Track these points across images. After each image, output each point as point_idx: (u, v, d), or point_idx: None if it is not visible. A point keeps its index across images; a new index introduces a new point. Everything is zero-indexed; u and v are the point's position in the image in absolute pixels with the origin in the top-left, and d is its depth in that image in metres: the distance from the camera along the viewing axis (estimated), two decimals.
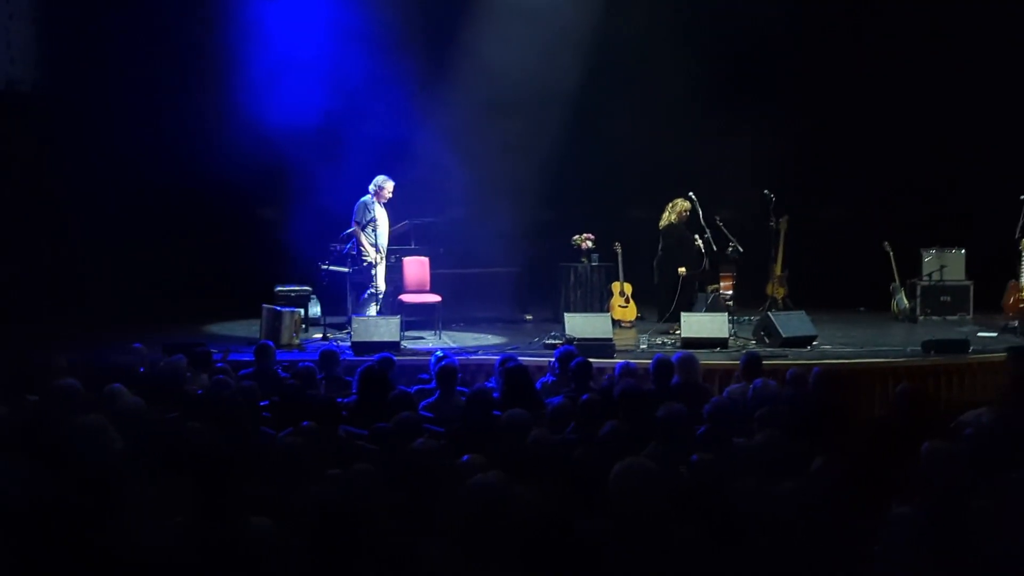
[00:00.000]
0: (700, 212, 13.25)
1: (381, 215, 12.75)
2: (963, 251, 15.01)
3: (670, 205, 13.47)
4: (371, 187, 12.70)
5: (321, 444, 5.95)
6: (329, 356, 9.32)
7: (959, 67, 15.81)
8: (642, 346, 12.19)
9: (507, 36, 14.68)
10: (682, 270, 13.38)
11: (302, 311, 12.98)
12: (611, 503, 4.64)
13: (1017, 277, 13.76)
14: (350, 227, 12.75)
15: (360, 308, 12.73)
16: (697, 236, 13.28)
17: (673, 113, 15.26)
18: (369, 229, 12.62)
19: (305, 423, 6.23)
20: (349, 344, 11.70)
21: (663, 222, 13.54)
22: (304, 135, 13.82)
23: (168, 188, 14.86)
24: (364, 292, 12.79)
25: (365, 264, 12.60)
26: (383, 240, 12.77)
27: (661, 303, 13.59)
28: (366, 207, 12.64)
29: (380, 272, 12.70)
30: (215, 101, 14.63)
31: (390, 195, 12.75)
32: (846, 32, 16.07)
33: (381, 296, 12.80)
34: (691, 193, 13.23)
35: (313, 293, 13.81)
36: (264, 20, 14.29)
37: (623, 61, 15.56)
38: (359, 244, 12.61)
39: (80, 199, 14.14)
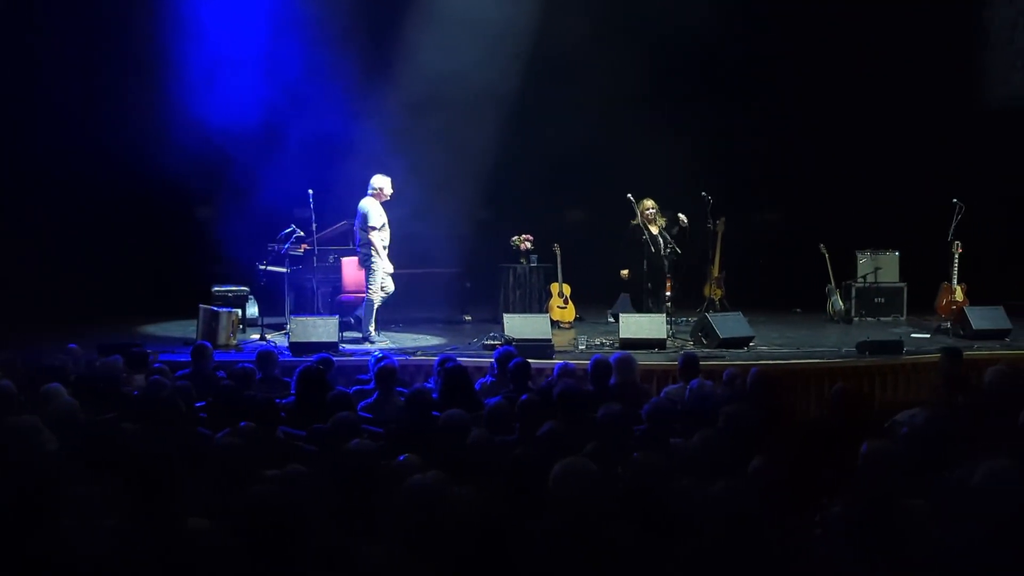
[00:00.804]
0: (638, 214, 13.30)
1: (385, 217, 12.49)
2: (897, 253, 15.22)
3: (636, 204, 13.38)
4: (370, 189, 12.44)
5: (259, 445, 5.91)
6: (267, 357, 9.26)
7: (893, 70, 16.05)
8: (580, 347, 12.22)
9: (447, 34, 14.64)
10: (624, 272, 13.44)
11: (239, 311, 12.89)
12: (550, 503, 4.66)
13: (950, 279, 13.98)
14: (354, 233, 12.60)
15: (362, 312, 12.54)
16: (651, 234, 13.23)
17: (612, 115, 15.33)
18: (383, 234, 12.38)
19: (243, 424, 6.18)
20: (287, 344, 11.62)
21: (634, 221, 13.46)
22: (242, 133, 13.70)
23: (102, 185, 14.68)
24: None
25: (373, 270, 12.31)
26: (388, 241, 12.50)
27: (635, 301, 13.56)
28: (378, 210, 12.37)
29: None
30: (152, 98, 14.47)
31: (391, 192, 12.51)
32: (782, 36, 16.23)
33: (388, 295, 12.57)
34: (629, 195, 13.27)
35: (251, 293, 13.71)
36: (201, 16, 14.13)
37: (562, 62, 15.59)
38: (372, 248, 12.28)
39: (10, 196, 13.93)
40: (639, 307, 13.27)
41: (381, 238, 12.33)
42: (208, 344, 9.63)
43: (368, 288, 12.41)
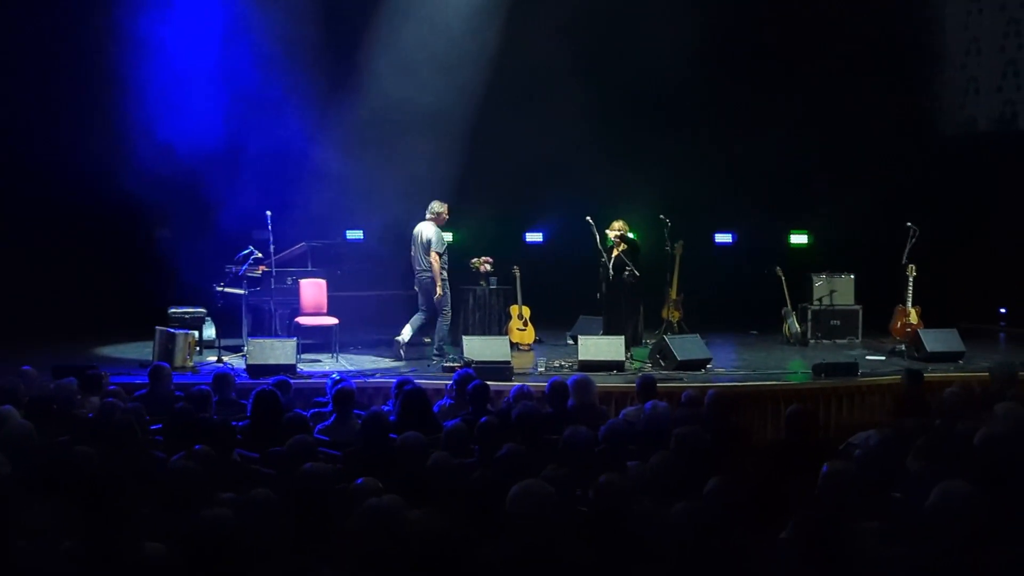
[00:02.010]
0: (597, 237, 13.34)
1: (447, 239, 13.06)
2: (852, 276, 15.32)
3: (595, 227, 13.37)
4: (429, 214, 12.89)
5: (214, 468, 5.87)
6: (223, 379, 9.20)
7: (849, 95, 16.21)
8: (539, 369, 12.24)
9: (407, 57, 14.71)
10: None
11: (196, 333, 12.79)
12: (508, 525, 4.65)
13: (904, 302, 14.10)
14: (430, 259, 12.79)
15: (425, 331, 13.08)
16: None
17: (571, 138, 15.38)
18: (445, 256, 12.85)
19: (198, 447, 6.13)
20: (244, 367, 11.56)
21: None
22: (199, 154, 13.64)
23: (57, 206, 14.58)
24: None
25: (438, 294, 12.74)
26: (448, 264, 13.03)
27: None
28: (442, 236, 12.85)
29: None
30: (109, 118, 14.36)
31: (447, 217, 13.01)
32: (737, 63, 16.37)
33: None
34: (588, 218, 13.31)
35: (208, 315, 13.60)
36: (159, 36, 14.07)
37: (523, 86, 15.66)
38: (433, 272, 12.73)
39: None
40: (619, 332, 13.02)
41: (444, 262, 12.79)
42: (166, 364, 9.59)
43: (441, 310, 12.84)
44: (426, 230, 12.83)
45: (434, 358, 12.66)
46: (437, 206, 12.92)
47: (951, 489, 4.73)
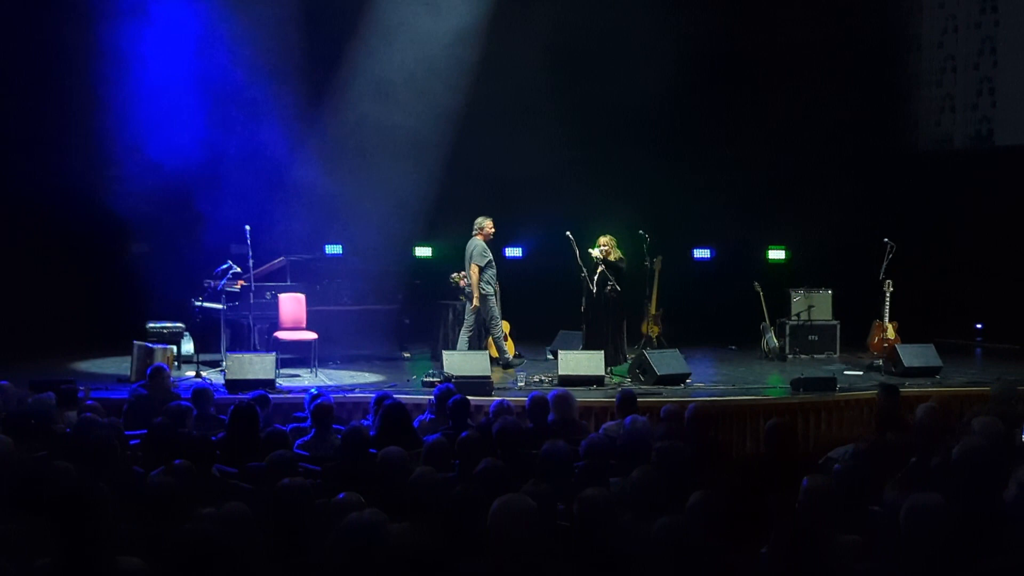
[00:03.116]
0: (577, 252, 13.35)
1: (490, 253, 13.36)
2: (830, 292, 15.40)
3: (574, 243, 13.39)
4: (475, 229, 13.36)
5: (193, 483, 5.84)
6: (202, 394, 9.16)
7: (826, 112, 16.31)
8: (519, 384, 12.24)
9: (386, 76, 14.73)
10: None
11: (175, 348, 12.74)
12: (489, 540, 4.65)
13: (881, 317, 14.16)
14: (462, 271, 13.42)
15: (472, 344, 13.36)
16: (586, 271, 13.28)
17: (550, 154, 15.41)
18: (489, 270, 13.28)
19: (177, 461, 6.10)
20: (223, 382, 11.52)
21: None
22: (178, 169, 13.62)
23: (35, 220, 14.49)
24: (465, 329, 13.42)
25: (473, 305, 13.18)
26: (494, 276, 13.41)
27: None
28: (484, 249, 13.22)
29: (495, 310, 13.36)
30: (87, 132, 14.34)
31: (492, 231, 13.40)
32: (717, 78, 16.46)
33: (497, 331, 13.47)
34: (568, 233, 13.33)
35: (186, 330, 13.55)
36: (139, 50, 14.04)
37: (502, 102, 15.69)
38: (471, 284, 13.20)
39: None
40: (600, 347, 12.96)
41: (488, 275, 13.22)
42: (165, 367, 9.58)
43: (489, 322, 13.36)
44: (470, 244, 13.34)
45: None
46: (481, 220, 13.37)
47: (921, 503, 4.76)
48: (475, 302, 13.18)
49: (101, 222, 14.29)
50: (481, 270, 13.18)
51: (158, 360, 11.74)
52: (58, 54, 14.59)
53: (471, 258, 13.23)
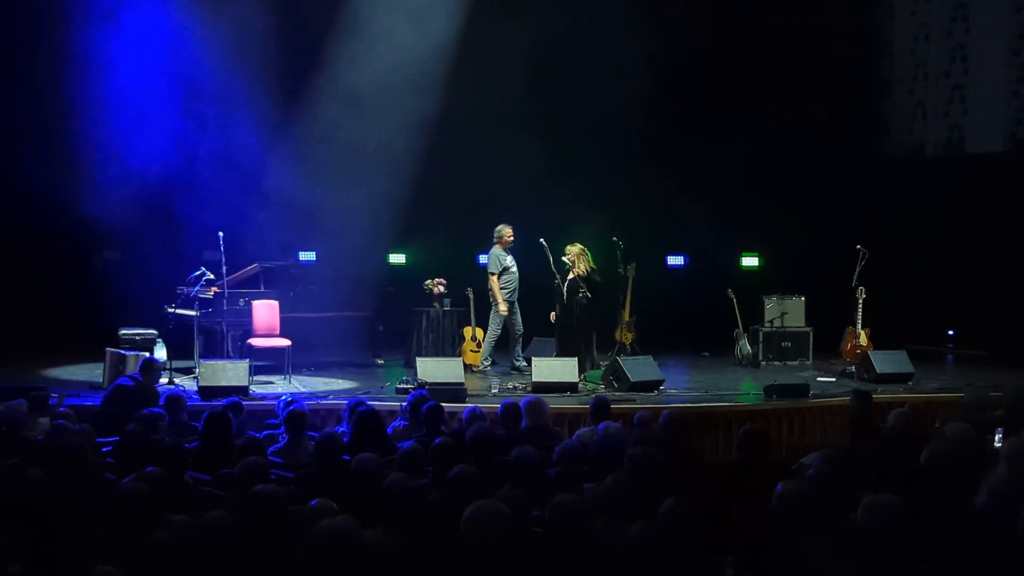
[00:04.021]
0: (551, 259, 13.37)
1: (510, 260, 13.58)
2: (803, 298, 15.46)
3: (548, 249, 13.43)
4: (494, 237, 13.62)
5: (166, 490, 5.82)
6: (174, 401, 9.12)
7: (798, 119, 16.39)
8: (493, 391, 12.24)
9: (360, 82, 14.70)
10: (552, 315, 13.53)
11: (147, 355, 12.67)
12: (463, 546, 4.65)
13: (854, 323, 14.24)
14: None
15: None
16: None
17: (524, 161, 15.41)
18: (505, 278, 13.53)
19: (149, 468, 6.08)
20: (196, 389, 11.48)
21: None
22: (151, 176, 13.58)
23: (4, 225, 14.40)
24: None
25: (501, 312, 13.55)
26: (515, 283, 13.65)
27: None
28: (498, 257, 13.57)
29: (517, 314, 13.68)
30: (59, 137, 14.26)
31: (511, 239, 13.61)
32: (690, 85, 16.51)
33: (520, 335, 13.82)
34: (542, 240, 13.34)
35: (159, 337, 13.47)
36: (111, 53, 13.97)
37: (477, 110, 15.69)
38: (491, 292, 13.57)
39: None
40: (573, 354, 12.95)
41: (504, 281, 13.55)
42: (157, 359, 9.56)
43: (512, 327, 13.72)
44: (489, 253, 13.73)
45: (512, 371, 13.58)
46: (499, 228, 13.64)
47: (877, 502, 4.79)
48: (502, 309, 13.50)
49: (73, 228, 14.22)
50: (499, 276, 13.51)
51: (130, 368, 11.70)
52: (29, 58, 14.52)
53: (488, 265, 13.67)
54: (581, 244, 13.42)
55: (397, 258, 16.83)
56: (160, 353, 13.31)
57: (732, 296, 14.97)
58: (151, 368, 9.70)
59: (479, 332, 14.10)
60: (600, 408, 8.88)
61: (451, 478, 5.83)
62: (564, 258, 13.32)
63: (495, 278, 13.57)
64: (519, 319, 13.75)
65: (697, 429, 10.65)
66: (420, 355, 13.25)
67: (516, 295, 13.70)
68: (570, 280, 13.23)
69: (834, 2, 16.80)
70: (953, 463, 6.01)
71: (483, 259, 13.80)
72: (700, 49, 16.18)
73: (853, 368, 13.67)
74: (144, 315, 13.57)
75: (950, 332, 16.90)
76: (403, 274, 15.80)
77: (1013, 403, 9.21)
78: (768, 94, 16.30)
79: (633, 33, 15.29)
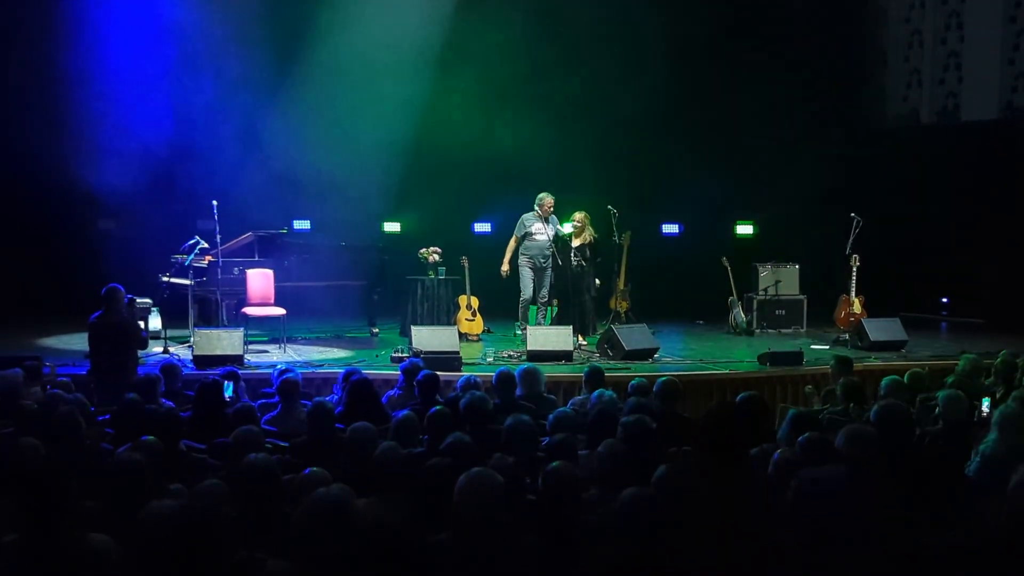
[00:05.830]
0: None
1: (539, 227, 13.42)
2: (797, 267, 15.49)
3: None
4: (535, 202, 13.46)
5: (161, 459, 5.83)
6: (169, 370, 9.12)
7: (793, 88, 16.37)
8: (488, 359, 12.25)
9: (353, 50, 14.65)
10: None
11: (142, 324, 12.67)
12: (456, 514, 4.66)
13: (848, 291, 14.26)
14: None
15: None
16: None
17: (518, 129, 15.41)
18: (527, 242, 13.50)
19: (144, 437, 6.08)
20: (191, 357, 11.48)
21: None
22: (145, 145, 13.53)
23: None
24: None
25: (501, 272, 13.66)
26: (536, 249, 13.53)
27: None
28: (524, 222, 13.56)
29: (528, 280, 13.62)
30: (54, 108, 14.22)
31: (551, 208, 13.41)
32: (685, 54, 16.45)
33: (542, 302, 13.74)
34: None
35: (153, 306, 13.47)
36: (106, 26, 13.92)
37: (471, 76, 15.65)
38: (509, 253, 13.67)
39: None
40: (569, 322, 13.04)
41: (525, 247, 13.56)
42: (119, 286, 9.88)
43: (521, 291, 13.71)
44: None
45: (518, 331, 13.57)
46: (539, 196, 13.46)
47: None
48: (503, 268, 13.63)
49: (68, 197, 14.19)
50: (520, 240, 13.54)
51: None
52: (21, 26, 14.44)
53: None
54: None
55: (392, 226, 16.81)
56: (155, 322, 13.34)
57: (727, 264, 14.99)
58: (114, 296, 9.70)
59: (474, 301, 14.10)
60: (594, 376, 8.89)
61: (445, 447, 5.85)
62: (569, 224, 13.31)
63: (513, 239, 13.59)
64: (545, 287, 13.65)
65: (691, 397, 10.67)
66: (415, 323, 13.25)
67: (543, 263, 13.56)
68: (575, 247, 13.24)
69: None
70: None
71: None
72: (695, 19, 16.13)
73: (847, 336, 13.71)
74: (139, 284, 13.55)
75: (944, 300, 16.93)
76: (398, 242, 15.77)
77: (1004, 370, 9.27)
78: (763, 63, 16.26)
79: (627, 3, 15.25)
